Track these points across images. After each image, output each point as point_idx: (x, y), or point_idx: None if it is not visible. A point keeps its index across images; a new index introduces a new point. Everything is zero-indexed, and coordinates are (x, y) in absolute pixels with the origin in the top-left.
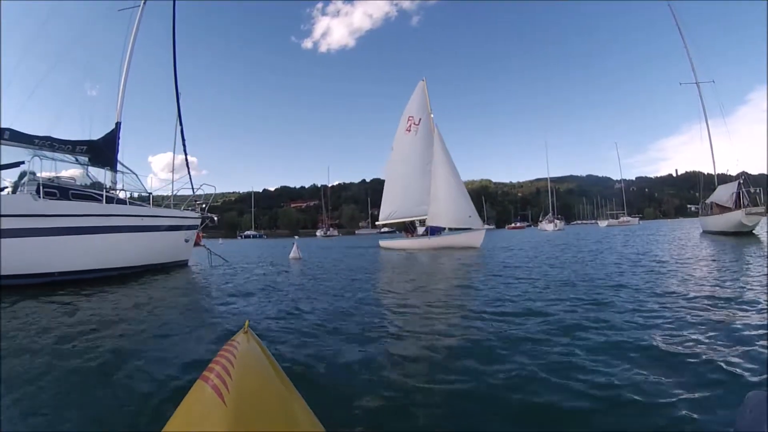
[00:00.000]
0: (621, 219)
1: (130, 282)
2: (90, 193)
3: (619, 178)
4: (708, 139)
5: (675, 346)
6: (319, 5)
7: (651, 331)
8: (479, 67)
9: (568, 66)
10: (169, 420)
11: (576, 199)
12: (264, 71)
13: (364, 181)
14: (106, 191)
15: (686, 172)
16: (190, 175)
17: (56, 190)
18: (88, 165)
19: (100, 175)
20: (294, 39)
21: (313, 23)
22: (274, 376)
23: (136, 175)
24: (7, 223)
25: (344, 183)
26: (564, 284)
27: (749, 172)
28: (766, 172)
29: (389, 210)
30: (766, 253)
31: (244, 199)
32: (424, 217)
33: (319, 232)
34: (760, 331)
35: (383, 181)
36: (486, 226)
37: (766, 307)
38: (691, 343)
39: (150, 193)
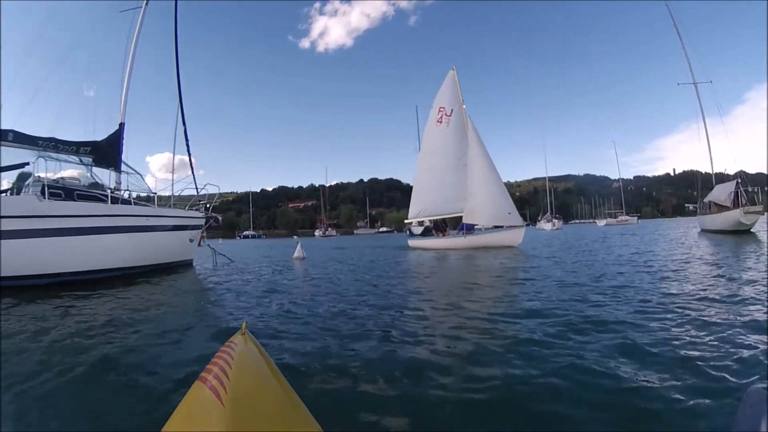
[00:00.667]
0: (619, 218)
1: (135, 282)
2: (95, 193)
3: (616, 178)
4: (706, 138)
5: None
6: (317, 5)
7: None
8: (476, 66)
9: (565, 65)
10: (168, 421)
11: (574, 198)
12: (261, 71)
13: (361, 180)
14: (111, 192)
15: (684, 171)
16: (194, 176)
17: (61, 190)
18: (92, 166)
19: (103, 175)
20: (291, 38)
21: (310, 23)
22: (272, 377)
23: (141, 175)
24: (13, 224)
25: (342, 183)
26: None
27: (747, 171)
28: (763, 171)
29: (419, 207)
30: (767, 251)
31: (242, 199)
32: (458, 215)
33: (317, 232)
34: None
35: (381, 180)
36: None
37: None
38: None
39: (155, 194)
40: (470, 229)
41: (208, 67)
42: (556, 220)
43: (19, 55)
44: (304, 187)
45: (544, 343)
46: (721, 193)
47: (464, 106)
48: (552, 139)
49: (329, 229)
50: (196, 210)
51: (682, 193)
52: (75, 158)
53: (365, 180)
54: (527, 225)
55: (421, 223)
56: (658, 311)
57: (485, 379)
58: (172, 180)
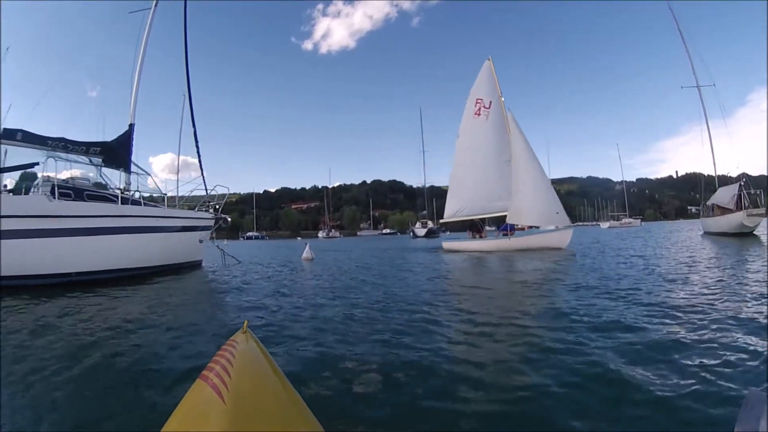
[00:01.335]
0: (623, 221)
1: (144, 282)
2: (105, 194)
3: (619, 180)
4: (709, 141)
5: None
6: (320, 6)
7: None
8: (478, 66)
9: (567, 67)
10: (169, 418)
11: (577, 200)
12: (263, 72)
13: (364, 182)
14: (121, 192)
15: (686, 174)
16: (203, 177)
17: (71, 191)
18: (101, 166)
19: (110, 176)
20: (294, 40)
21: (313, 24)
22: (273, 375)
23: (150, 176)
24: (23, 224)
25: (345, 184)
26: None
27: (749, 173)
28: (766, 174)
29: (458, 206)
30: None
31: (245, 200)
32: (498, 215)
33: (320, 234)
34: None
35: (384, 182)
36: (488, 228)
37: None
38: None
39: (165, 195)
40: (511, 229)
41: (210, 68)
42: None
43: (19, 56)
44: (307, 188)
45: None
46: (724, 196)
47: (503, 99)
48: (555, 141)
49: (332, 230)
50: (205, 211)
51: (684, 196)
52: (84, 158)
53: (368, 181)
54: (530, 227)
55: (424, 225)
56: None
57: None
58: (177, 180)
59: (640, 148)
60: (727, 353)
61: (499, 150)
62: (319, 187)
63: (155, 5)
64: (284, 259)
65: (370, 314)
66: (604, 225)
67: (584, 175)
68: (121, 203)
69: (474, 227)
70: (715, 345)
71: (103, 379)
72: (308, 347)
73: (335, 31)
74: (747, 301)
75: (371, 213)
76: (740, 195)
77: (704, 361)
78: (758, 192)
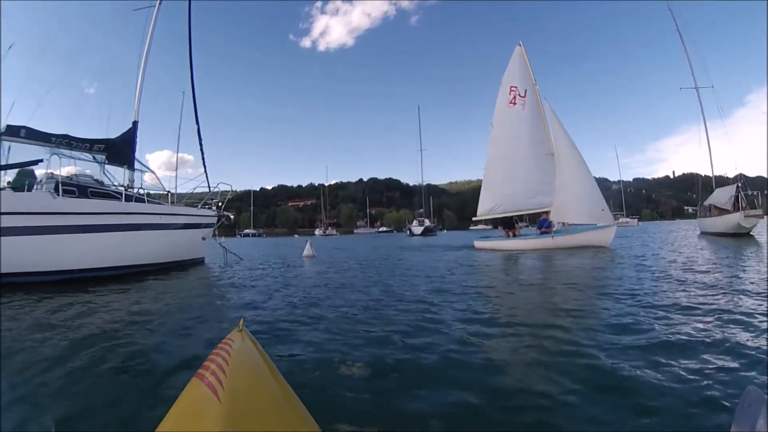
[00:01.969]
0: (620, 220)
1: (148, 279)
2: (109, 191)
3: (616, 179)
4: (707, 141)
5: None
6: (318, 4)
7: None
8: (476, 66)
9: (565, 67)
10: (165, 417)
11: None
12: (261, 69)
13: (361, 180)
14: (125, 189)
15: (683, 174)
16: (206, 174)
17: (75, 188)
18: (105, 163)
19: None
20: (293, 37)
21: (311, 22)
22: (269, 373)
23: (155, 173)
24: (26, 221)
25: (341, 182)
26: None
27: (746, 174)
28: (763, 174)
29: (493, 202)
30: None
31: (242, 197)
32: (538, 211)
33: (317, 231)
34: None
35: (380, 180)
36: (483, 226)
37: None
38: None
39: (168, 192)
40: (549, 226)
41: (206, 65)
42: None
43: (21, 54)
44: (304, 186)
45: None
46: (721, 197)
47: (537, 87)
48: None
49: (329, 228)
50: (208, 208)
51: (681, 196)
52: (88, 155)
53: (365, 179)
54: (526, 226)
55: (421, 223)
56: None
57: None
58: (176, 177)
59: (637, 147)
60: None
61: (537, 142)
62: (316, 184)
63: (159, 3)
64: (285, 256)
65: (382, 313)
66: (601, 224)
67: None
68: (125, 200)
69: (507, 224)
70: None
71: (98, 377)
72: (332, 353)
73: (333, 29)
74: None
75: (368, 211)
76: (738, 196)
77: None
78: (755, 193)
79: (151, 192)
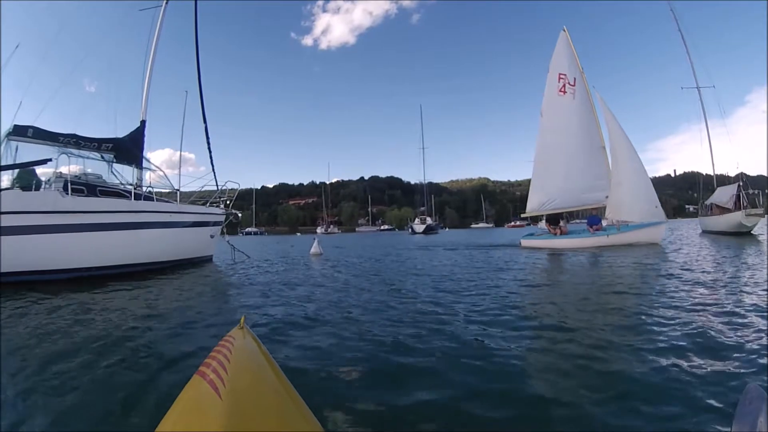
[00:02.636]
0: (623, 219)
1: (156, 277)
2: (118, 189)
3: None
4: (708, 140)
5: None
6: (320, 2)
7: None
8: (478, 64)
9: None
10: (166, 414)
11: None
12: (262, 67)
13: (362, 178)
14: (134, 188)
15: (685, 173)
16: (214, 173)
17: (84, 186)
18: (113, 162)
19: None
20: (294, 36)
21: (313, 20)
22: (270, 371)
23: (163, 172)
24: (36, 220)
25: (343, 180)
26: None
27: (747, 173)
28: (763, 173)
29: (546, 196)
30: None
31: (243, 195)
32: (589, 207)
33: (319, 230)
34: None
35: (381, 178)
36: (484, 224)
37: None
38: None
39: (177, 190)
40: (598, 223)
41: (207, 63)
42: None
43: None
44: (305, 184)
45: None
46: (722, 196)
47: (584, 75)
48: None
49: (331, 226)
50: (216, 206)
51: (682, 195)
52: (96, 155)
53: (366, 178)
54: (527, 224)
55: (423, 221)
56: None
57: None
58: (179, 175)
59: (638, 146)
60: None
61: (588, 134)
62: (317, 183)
63: (166, 2)
64: (292, 254)
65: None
66: (603, 222)
67: None
68: (134, 199)
69: (554, 221)
70: None
71: (99, 374)
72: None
73: (335, 27)
74: None
75: (369, 209)
76: (739, 195)
77: None
78: (756, 192)
79: (157, 190)
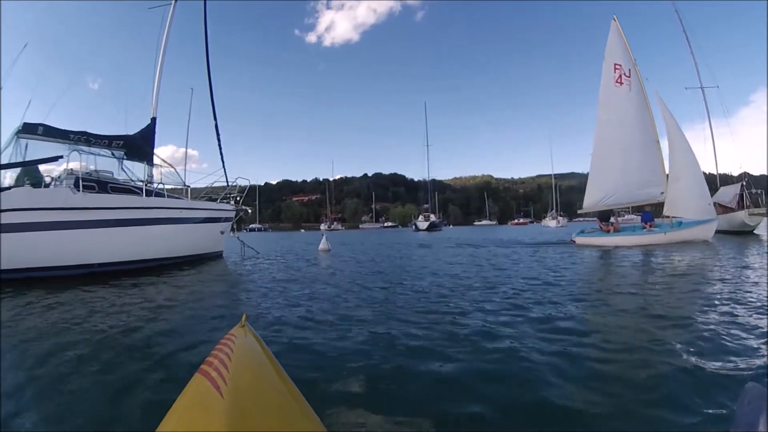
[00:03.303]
0: (625, 216)
1: (167, 273)
2: (129, 186)
3: None
4: (711, 140)
5: None
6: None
7: None
8: (482, 63)
9: (570, 63)
10: (168, 413)
11: (578, 195)
12: (266, 64)
13: (366, 175)
14: (145, 184)
15: None
16: (225, 169)
17: (95, 183)
18: (123, 159)
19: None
20: (298, 33)
21: (317, 17)
22: (271, 369)
23: (175, 168)
24: (47, 216)
25: (346, 177)
26: None
27: (750, 172)
28: (766, 173)
29: (603, 192)
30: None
31: (246, 192)
32: (643, 203)
33: (323, 226)
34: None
35: (385, 175)
36: (488, 222)
37: None
38: None
39: (188, 186)
40: (652, 220)
41: (212, 60)
42: (561, 218)
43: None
44: (309, 180)
45: None
46: (726, 195)
47: (637, 67)
48: (557, 136)
49: (335, 222)
50: (226, 203)
51: None
52: (107, 152)
53: (369, 175)
54: (531, 222)
55: (426, 218)
56: None
57: None
58: (185, 171)
59: None
60: None
61: (643, 127)
62: (320, 179)
63: (175, 1)
64: (299, 250)
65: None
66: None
67: (585, 171)
68: (145, 195)
69: (605, 218)
70: None
71: (105, 371)
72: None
73: (339, 24)
74: None
75: (373, 206)
76: (742, 194)
77: None
78: (760, 191)
79: (167, 186)
